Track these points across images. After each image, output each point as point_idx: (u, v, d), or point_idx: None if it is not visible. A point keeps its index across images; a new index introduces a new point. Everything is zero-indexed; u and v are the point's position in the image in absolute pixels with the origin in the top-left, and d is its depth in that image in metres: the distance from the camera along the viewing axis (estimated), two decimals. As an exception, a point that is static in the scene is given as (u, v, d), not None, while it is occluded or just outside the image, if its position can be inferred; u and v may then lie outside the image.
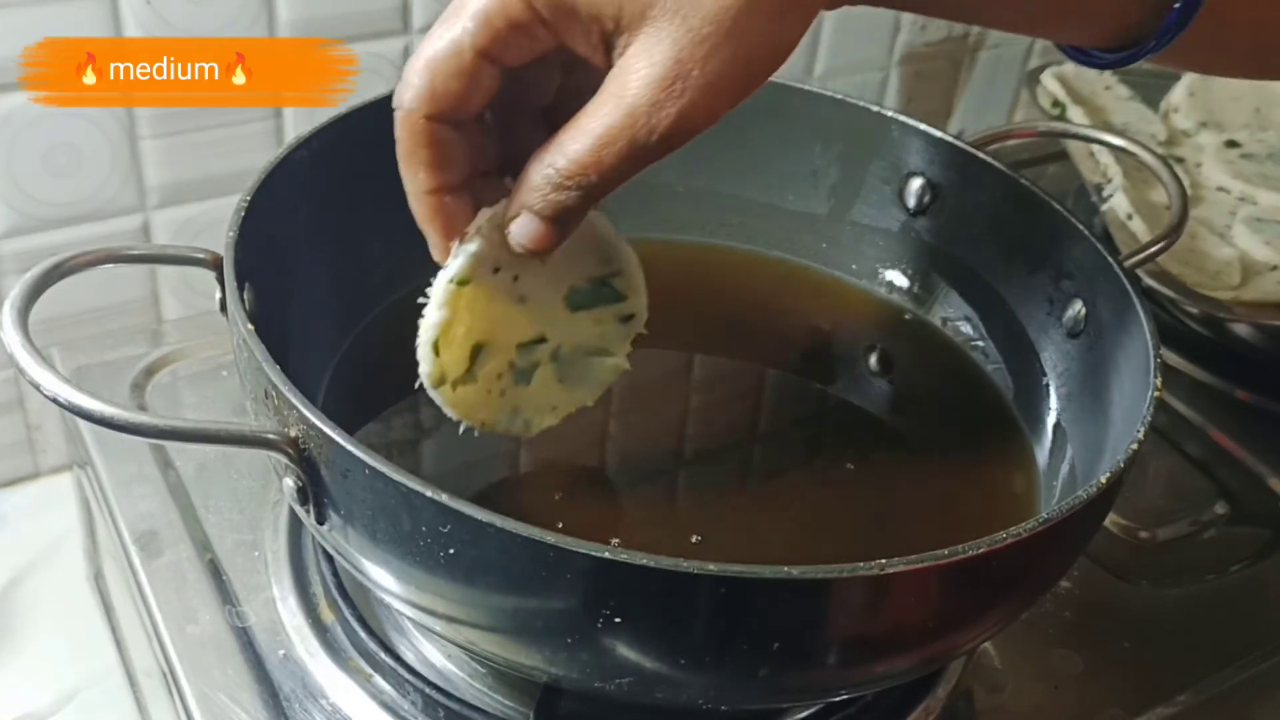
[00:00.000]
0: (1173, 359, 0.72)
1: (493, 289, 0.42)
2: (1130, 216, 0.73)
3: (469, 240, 0.41)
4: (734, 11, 0.34)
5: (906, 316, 0.61)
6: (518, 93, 0.40)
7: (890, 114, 0.59)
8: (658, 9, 0.35)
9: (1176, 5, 0.38)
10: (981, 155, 0.56)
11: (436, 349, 0.43)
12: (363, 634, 0.49)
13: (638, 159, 0.36)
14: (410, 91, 0.38)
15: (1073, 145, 0.79)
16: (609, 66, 0.37)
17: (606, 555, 0.34)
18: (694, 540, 0.47)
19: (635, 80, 0.35)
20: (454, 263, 0.41)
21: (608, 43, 0.36)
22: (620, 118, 0.36)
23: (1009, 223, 0.56)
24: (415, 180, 0.40)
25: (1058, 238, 0.53)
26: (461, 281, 0.41)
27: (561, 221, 0.39)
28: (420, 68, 0.38)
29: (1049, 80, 0.83)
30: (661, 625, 0.37)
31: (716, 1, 0.34)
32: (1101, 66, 0.42)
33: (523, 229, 0.39)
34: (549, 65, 0.40)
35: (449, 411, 0.44)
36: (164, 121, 0.68)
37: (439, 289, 0.42)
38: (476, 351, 0.44)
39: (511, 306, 0.43)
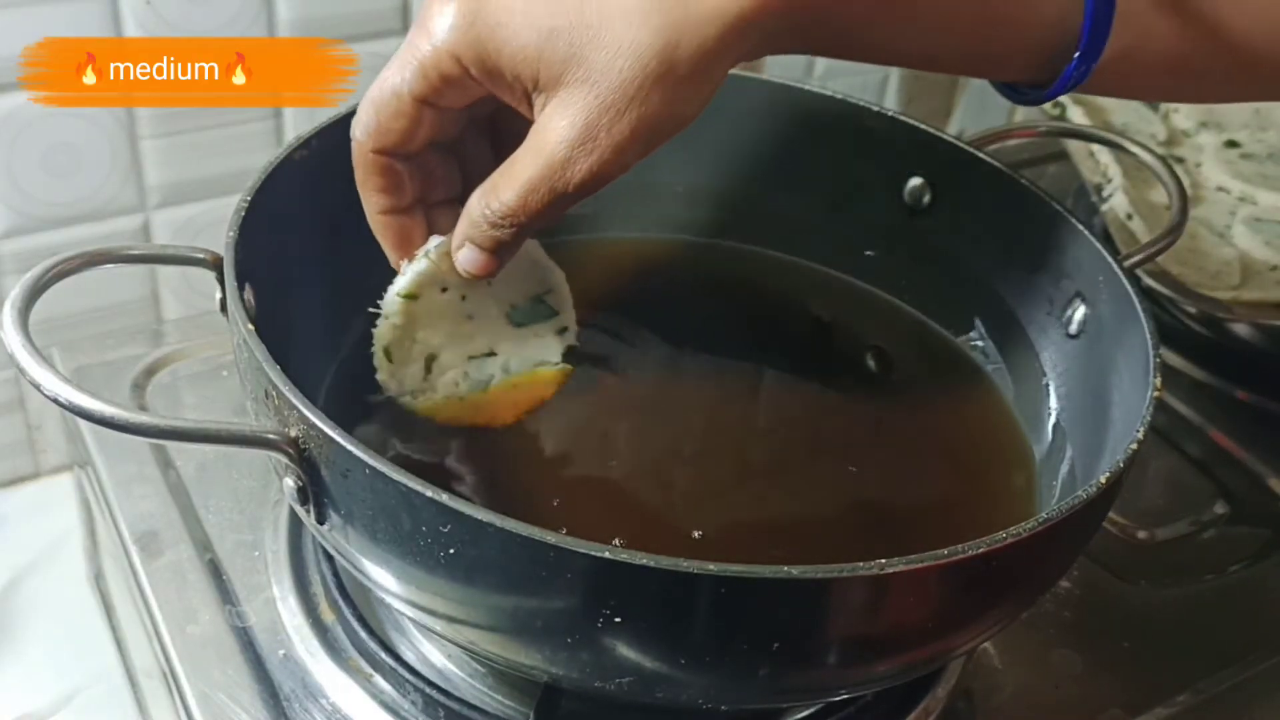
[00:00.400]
0: (1172, 359, 0.72)
1: (442, 305, 0.46)
2: (1130, 216, 0.73)
3: (417, 260, 0.45)
4: (636, 84, 0.38)
5: (906, 316, 0.61)
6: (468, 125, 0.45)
7: (890, 114, 0.59)
8: (570, 75, 0.38)
9: (1075, 55, 0.42)
10: (981, 155, 0.56)
11: (389, 355, 0.47)
12: (363, 634, 0.49)
13: (560, 204, 0.41)
14: (359, 126, 0.43)
15: (1073, 145, 0.79)
16: (533, 116, 0.40)
17: (606, 555, 0.34)
18: (695, 535, 0.47)
19: (553, 137, 0.39)
20: (402, 279, 0.46)
21: (530, 99, 0.40)
22: (541, 170, 0.40)
23: (1009, 223, 0.56)
24: (368, 201, 0.45)
25: (1058, 238, 0.53)
26: (409, 296, 0.46)
27: (499, 253, 0.43)
28: (367, 105, 0.42)
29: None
30: (662, 625, 0.37)
31: (620, 75, 0.38)
32: (1028, 103, 0.46)
33: (466, 257, 0.43)
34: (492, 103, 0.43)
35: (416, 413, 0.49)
36: (164, 121, 0.68)
37: (388, 301, 0.46)
38: (430, 363, 0.48)
39: (461, 322, 0.47)
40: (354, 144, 0.43)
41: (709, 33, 0.38)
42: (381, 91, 0.42)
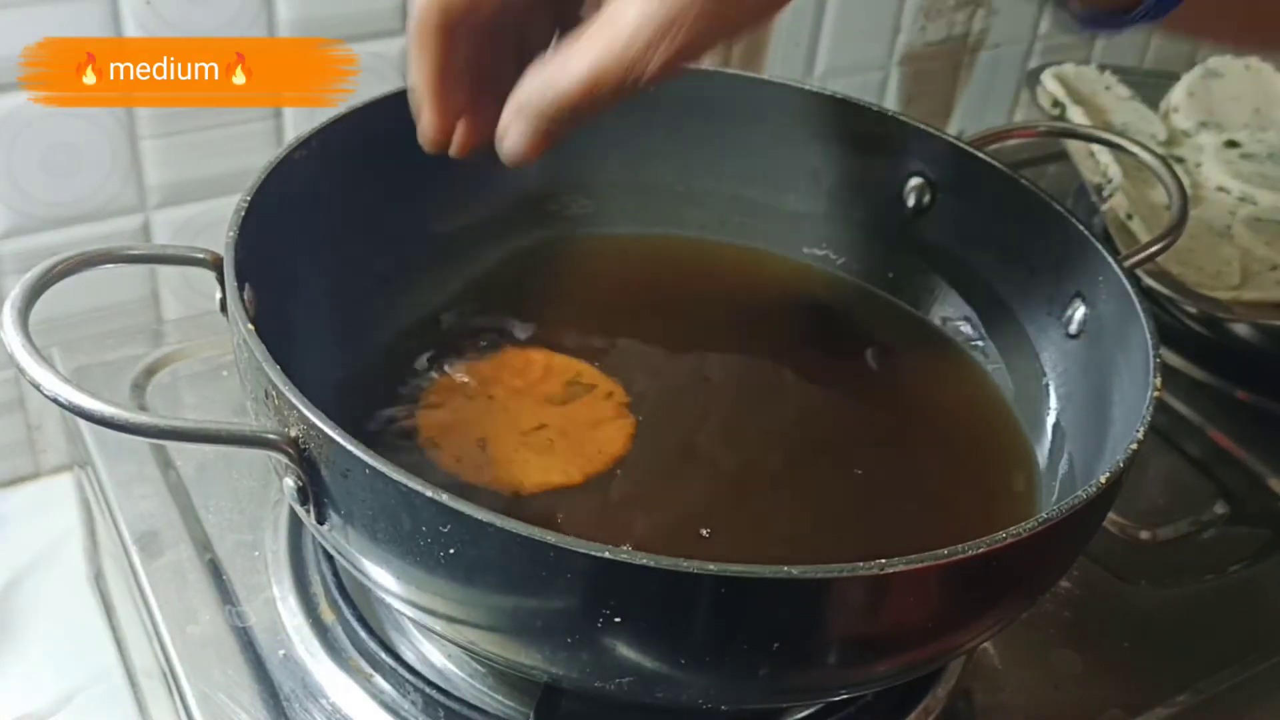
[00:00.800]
0: (1172, 359, 0.72)
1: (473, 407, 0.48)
2: (1130, 216, 0.73)
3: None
4: None
5: (907, 316, 0.61)
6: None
7: (890, 114, 0.59)
8: None
9: None
10: (981, 155, 0.56)
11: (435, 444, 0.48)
12: (363, 634, 0.49)
13: (627, 92, 0.37)
14: None
15: (1073, 145, 0.79)
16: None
17: (607, 555, 0.34)
18: (703, 534, 0.47)
19: (626, 24, 0.36)
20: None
21: None
22: (612, 60, 0.36)
23: (1009, 223, 0.56)
24: (419, 68, 0.41)
25: (1058, 238, 0.53)
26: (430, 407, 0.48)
27: (551, 138, 0.40)
28: None
29: (1049, 80, 0.83)
30: (662, 625, 0.37)
31: None
32: (1105, 30, 0.42)
33: (514, 143, 0.40)
34: None
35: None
36: (164, 121, 0.68)
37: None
38: (483, 444, 0.48)
39: (500, 412, 0.48)
40: (417, 14, 0.40)
41: None
42: None
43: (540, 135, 0.40)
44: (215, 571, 0.53)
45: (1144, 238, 0.70)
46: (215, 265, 0.44)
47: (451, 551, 0.36)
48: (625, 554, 0.34)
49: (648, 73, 0.36)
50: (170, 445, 0.58)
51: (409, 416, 0.51)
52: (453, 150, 0.45)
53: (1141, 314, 0.47)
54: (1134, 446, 0.41)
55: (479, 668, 0.49)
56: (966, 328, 0.59)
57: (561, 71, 0.38)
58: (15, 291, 0.40)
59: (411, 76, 0.42)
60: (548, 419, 0.51)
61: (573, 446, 0.50)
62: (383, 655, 0.48)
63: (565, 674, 0.39)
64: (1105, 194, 0.74)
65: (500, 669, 0.48)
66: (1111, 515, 0.50)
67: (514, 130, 0.40)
